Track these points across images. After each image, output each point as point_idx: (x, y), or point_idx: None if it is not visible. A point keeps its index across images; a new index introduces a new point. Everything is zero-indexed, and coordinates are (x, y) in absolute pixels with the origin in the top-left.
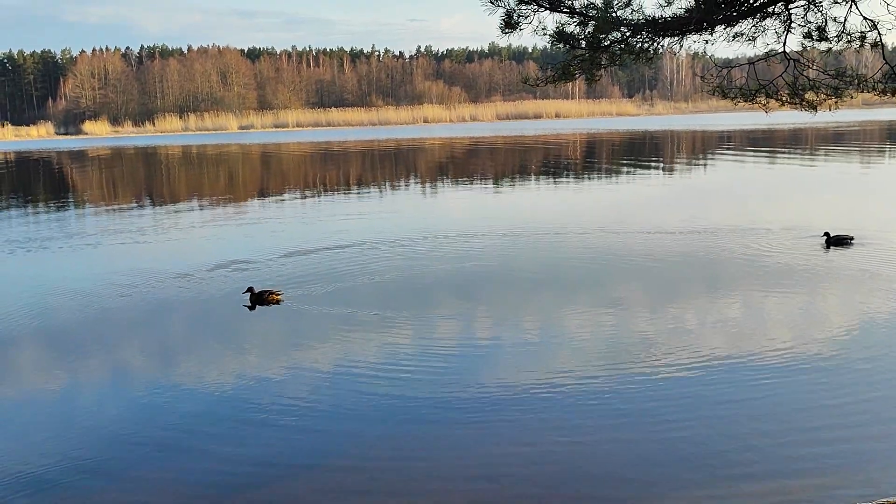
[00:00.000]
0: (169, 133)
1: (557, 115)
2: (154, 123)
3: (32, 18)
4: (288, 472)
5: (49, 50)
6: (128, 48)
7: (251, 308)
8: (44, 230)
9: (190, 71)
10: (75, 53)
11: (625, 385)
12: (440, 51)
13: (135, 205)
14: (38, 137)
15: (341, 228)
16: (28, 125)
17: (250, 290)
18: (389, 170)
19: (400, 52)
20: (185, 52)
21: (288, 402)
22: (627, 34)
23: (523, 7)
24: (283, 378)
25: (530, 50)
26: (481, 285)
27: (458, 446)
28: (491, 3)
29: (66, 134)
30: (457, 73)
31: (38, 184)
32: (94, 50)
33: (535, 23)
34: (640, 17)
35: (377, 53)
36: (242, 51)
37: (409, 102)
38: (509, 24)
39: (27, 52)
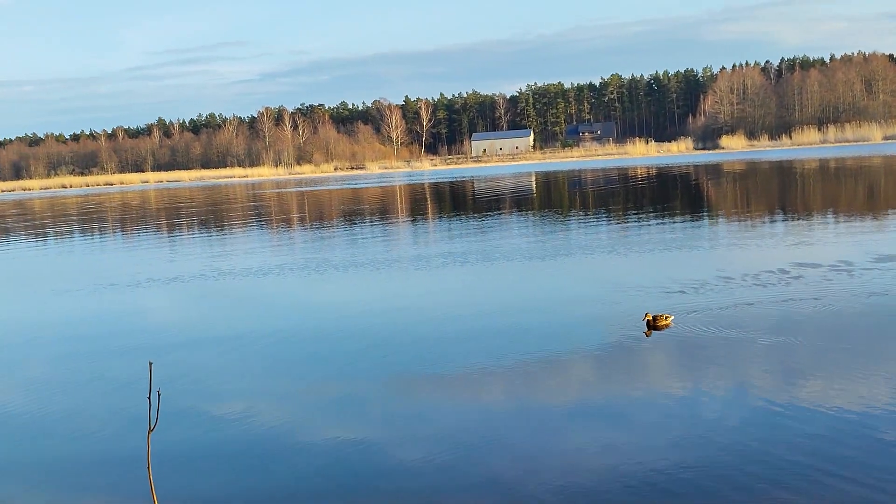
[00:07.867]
0: (805, 146)
1: None
2: (790, 136)
3: (675, 41)
4: None
5: (691, 69)
6: (767, 62)
7: (647, 334)
8: (680, 236)
9: (831, 80)
10: (715, 71)
11: None
12: None
13: (765, 216)
14: (678, 153)
15: None
16: (669, 141)
17: (647, 315)
18: None
19: None
20: (827, 61)
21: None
22: None
23: None
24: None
25: None
26: None
27: None
28: None
29: (703, 149)
30: None
31: (675, 196)
32: (732, 66)
33: None
34: None
35: None
36: (890, 56)
37: None
38: None
39: (671, 72)
